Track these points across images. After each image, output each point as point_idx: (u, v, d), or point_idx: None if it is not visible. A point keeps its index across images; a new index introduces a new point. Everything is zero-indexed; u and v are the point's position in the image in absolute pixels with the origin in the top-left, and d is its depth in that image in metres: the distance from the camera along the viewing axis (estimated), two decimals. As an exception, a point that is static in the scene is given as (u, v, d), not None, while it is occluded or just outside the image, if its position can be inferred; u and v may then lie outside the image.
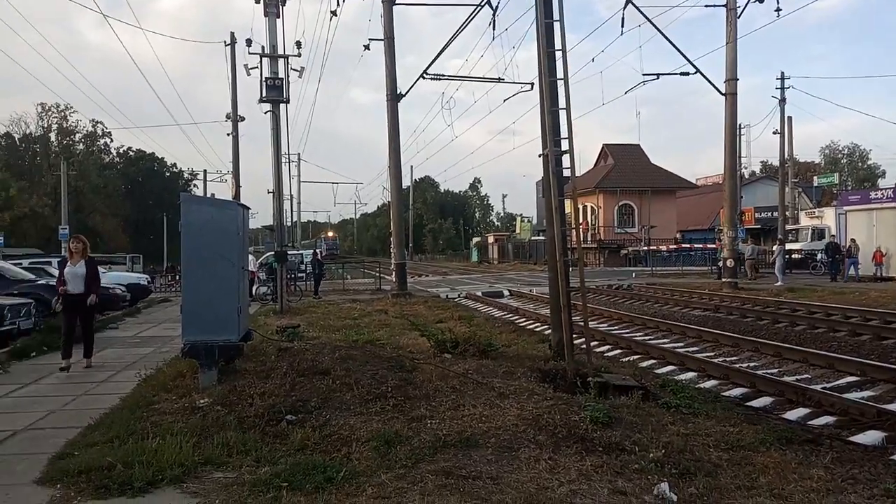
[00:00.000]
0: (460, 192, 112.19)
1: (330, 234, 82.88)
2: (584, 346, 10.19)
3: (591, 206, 46.78)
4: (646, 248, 40.71)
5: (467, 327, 10.01)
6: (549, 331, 11.75)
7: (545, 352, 9.47)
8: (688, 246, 40.89)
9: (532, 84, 19.60)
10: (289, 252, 20.52)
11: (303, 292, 21.98)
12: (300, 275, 27.52)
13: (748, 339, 10.99)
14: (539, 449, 5.39)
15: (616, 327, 14.10)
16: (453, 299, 21.19)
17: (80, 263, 8.65)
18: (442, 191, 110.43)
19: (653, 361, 9.99)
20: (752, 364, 9.64)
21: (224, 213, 7.64)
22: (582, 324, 8.21)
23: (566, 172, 8.70)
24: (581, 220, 44.46)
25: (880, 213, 23.84)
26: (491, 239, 65.11)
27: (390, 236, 23.53)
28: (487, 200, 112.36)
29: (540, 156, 9.02)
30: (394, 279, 22.16)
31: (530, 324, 14.85)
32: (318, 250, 38.40)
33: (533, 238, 57.55)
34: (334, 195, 68.79)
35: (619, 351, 11.06)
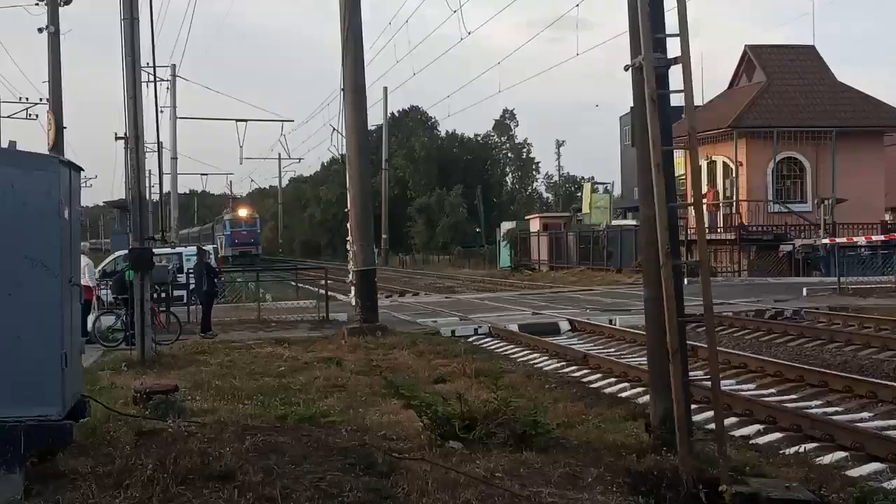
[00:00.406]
0: (477, 136, 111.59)
1: (242, 211, 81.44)
2: (709, 424, 10.17)
3: (726, 162, 46.92)
4: (827, 239, 40.62)
5: (492, 391, 10.06)
6: (646, 397, 11.81)
7: (638, 436, 9.55)
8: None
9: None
10: (156, 252, 20.53)
11: (182, 326, 22.13)
12: (178, 293, 27.60)
13: None
14: None
15: (771, 390, 14.19)
16: (465, 338, 21.34)
17: None
18: (443, 134, 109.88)
19: (842, 455, 10.04)
20: None
21: (31, 178, 7.68)
22: (707, 383, 8.28)
23: (677, 100, 8.77)
24: (706, 190, 44.65)
25: None
26: (536, 224, 65.10)
27: (346, 221, 23.66)
28: (528, 152, 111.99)
29: (628, 68, 9.06)
30: (353, 301, 22.31)
31: (610, 384, 14.97)
32: (209, 248, 38.57)
33: (614, 223, 57.79)
34: (240, 143, 65.67)
35: (777, 435, 11.14)
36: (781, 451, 10.18)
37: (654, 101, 8.41)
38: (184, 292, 27.42)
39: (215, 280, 24.34)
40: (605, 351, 18.82)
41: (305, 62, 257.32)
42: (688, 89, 8.33)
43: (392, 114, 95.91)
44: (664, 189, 8.28)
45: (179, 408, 11.03)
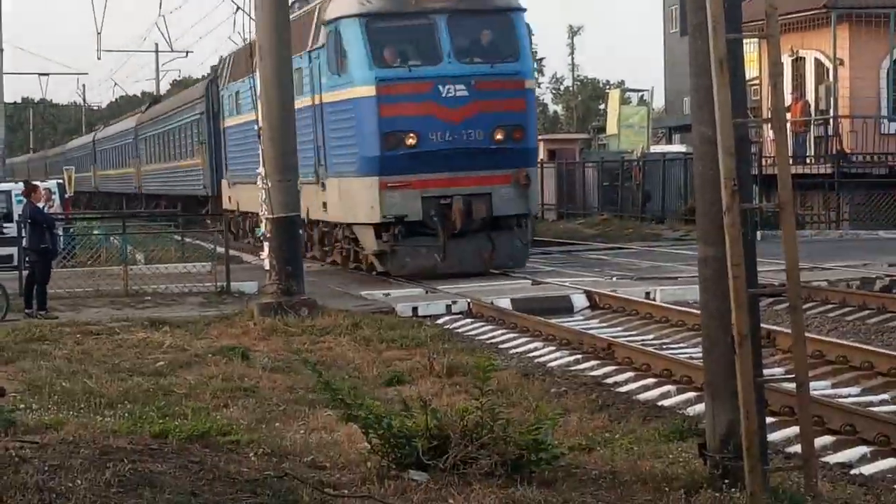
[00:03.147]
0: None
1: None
2: (793, 446, 10.19)
3: (819, 60, 46.86)
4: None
5: (473, 397, 10.06)
6: (699, 407, 11.82)
7: (688, 463, 9.62)
8: None
9: None
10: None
11: (10, 300, 22.00)
12: (5, 252, 27.40)
13: None
14: None
15: (882, 396, 14.24)
16: (433, 319, 21.47)
17: None
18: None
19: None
20: None
21: None
22: (790, 385, 8.32)
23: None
24: (789, 100, 44.48)
25: None
26: (539, 151, 65.06)
27: (252, 137, 23.50)
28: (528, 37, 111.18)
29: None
30: (267, 264, 22.22)
31: (646, 387, 15.02)
32: (49, 183, 38.20)
33: (654, 150, 57.62)
34: (98, 28, 65.44)
35: (891, 461, 11.20)
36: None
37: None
38: (13, 250, 27.21)
39: (51, 233, 24.04)
40: (640, 338, 18.87)
41: None
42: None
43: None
44: (729, 97, 8.26)
45: (7, 421, 10.96)
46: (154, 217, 53.49)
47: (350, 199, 26.84)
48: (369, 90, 25.87)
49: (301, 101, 27.24)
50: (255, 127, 23.85)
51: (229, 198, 40.27)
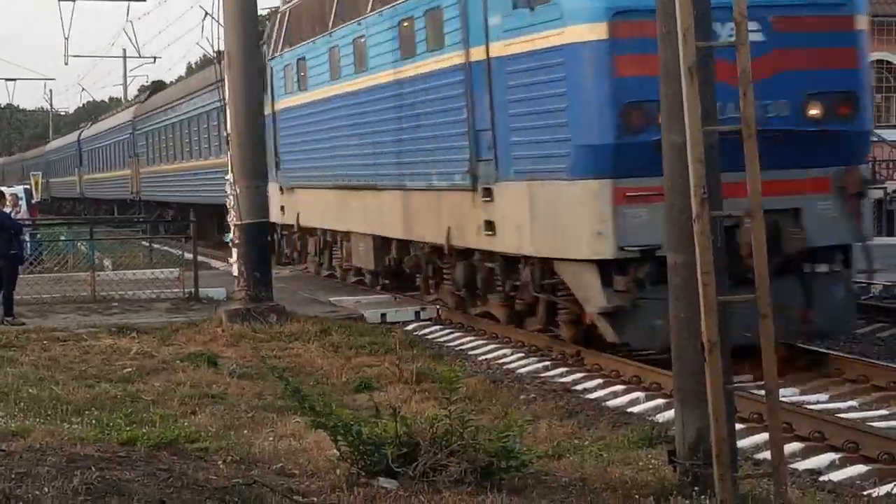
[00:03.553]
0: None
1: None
2: (762, 453, 10.21)
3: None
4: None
5: (442, 404, 10.05)
6: (669, 413, 11.84)
7: (657, 470, 9.64)
8: None
9: None
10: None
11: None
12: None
13: None
14: None
15: (850, 402, 14.31)
16: (401, 325, 21.51)
17: None
18: None
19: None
20: None
21: None
22: (760, 392, 8.34)
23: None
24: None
25: None
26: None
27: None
28: None
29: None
30: (236, 269, 22.18)
31: (615, 393, 15.06)
32: (16, 189, 37.98)
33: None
34: (66, 34, 65.27)
35: (860, 468, 11.23)
36: (866, 492, 10.28)
37: (685, -26, 8.38)
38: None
39: (18, 239, 23.93)
40: (609, 344, 18.91)
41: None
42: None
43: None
44: (699, 105, 8.28)
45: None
46: (120, 223, 53.00)
47: (552, 217, 16.53)
48: (595, 30, 15.61)
49: (434, 60, 19.88)
50: (346, 104, 22.10)
51: (282, 207, 30.08)
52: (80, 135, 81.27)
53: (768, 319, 8.24)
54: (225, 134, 22.79)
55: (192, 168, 45.52)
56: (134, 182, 58.39)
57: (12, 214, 30.21)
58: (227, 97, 22.50)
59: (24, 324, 21.51)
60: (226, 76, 22.41)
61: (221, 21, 22.57)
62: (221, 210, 35.97)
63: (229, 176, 22.36)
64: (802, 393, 14.86)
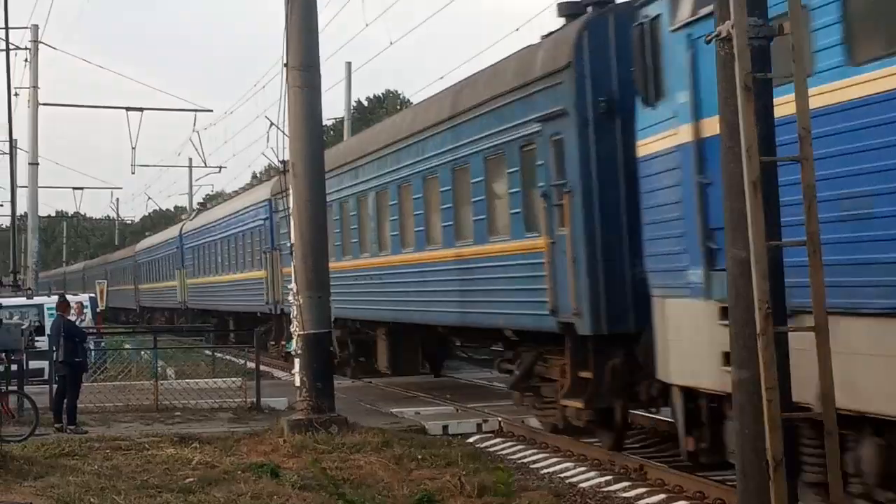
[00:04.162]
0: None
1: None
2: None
3: None
4: None
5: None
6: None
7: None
8: None
9: None
10: (3, 305, 20.32)
11: (40, 414, 22.04)
12: (37, 365, 27.42)
13: None
14: None
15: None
16: (463, 438, 21.38)
17: None
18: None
19: None
20: None
21: None
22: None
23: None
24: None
25: None
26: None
27: (283, 257, 23.54)
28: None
29: (710, 41, 9.07)
30: (298, 380, 22.19)
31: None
32: (81, 297, 38.18)
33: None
34: (133, 143, 65.73)
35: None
36: None
37: (748, 90, 8.44)
38: (45, 364, 27.25)
39: (82, 346, 24.16)
40: (672, 459, 18.73)
41: (230, 25, 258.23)
42: (800, 70, 8.36)
43: (358, 101, 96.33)
44: (762, 219, 8.29)
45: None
46: (184, 332, 53.33)
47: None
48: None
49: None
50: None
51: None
52: (136, 247, 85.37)
53: (833, 437, 8.18)
54: (289, 244, 22.88)
55: (230, 280, 48.44)
56: (181, 291, 61.35)
57: (77, 322, 30.60)
58: (291, 207, 22.65)
59: (86, 432, 21.63)
60: (291, 186, 22.56)
61: (286, 131, 22.77)
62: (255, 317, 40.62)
63: (292, 285, 22.46)
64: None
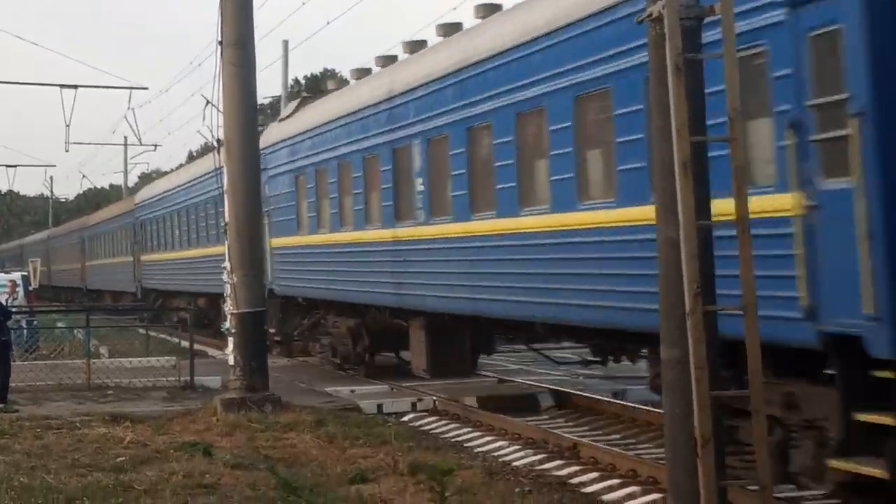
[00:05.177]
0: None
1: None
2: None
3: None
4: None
5: (434, 498, 10.05)
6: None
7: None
8: None
9: None
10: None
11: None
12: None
13: None
14: None
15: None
16: (398, 417, 21.43)
17: None
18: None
19: None
20: None
21: None
22: (754, 486, 8.30)
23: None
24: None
25: None
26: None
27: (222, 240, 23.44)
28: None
29: (641, 21, 9.13)
30: (232, 359, 22.12)
31: (611, 487, 14.98)
32: (13, 276, 37.97)
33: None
34: (67, 121, 66.31)
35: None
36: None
37: (679, 70, 8.49)
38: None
39: (4, 325, 23.90)
40: (605, 438, 18.83)
41: (166, 2, 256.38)
42: (729, 51, 8.41)
43: (295, 79, 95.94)
44: (692, 200, 8.34)
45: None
46: (116, 311, 52.72)
47: None
48: None
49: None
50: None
51: None
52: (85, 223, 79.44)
53: (761, 415, 8.26)
54: (223, 223, 22.79)
55: (193, 257, 43.19)
56: (135, 269, 56.58)
57: (10, 301, 30.32)
58: (225, 184, 22.55)
59: (17, 411, 21.47)
60: (225, 163, 22.46)
61: (220, 108, 22.66)
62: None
63: (226, 263, 22.37)
64: (800, 488, 14.77)
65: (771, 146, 11.95)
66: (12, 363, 26.16)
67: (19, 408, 21.82)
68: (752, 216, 9.33)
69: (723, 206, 9.22)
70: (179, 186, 46.95)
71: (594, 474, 15.78)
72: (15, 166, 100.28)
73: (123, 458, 16.06)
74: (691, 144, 8.44)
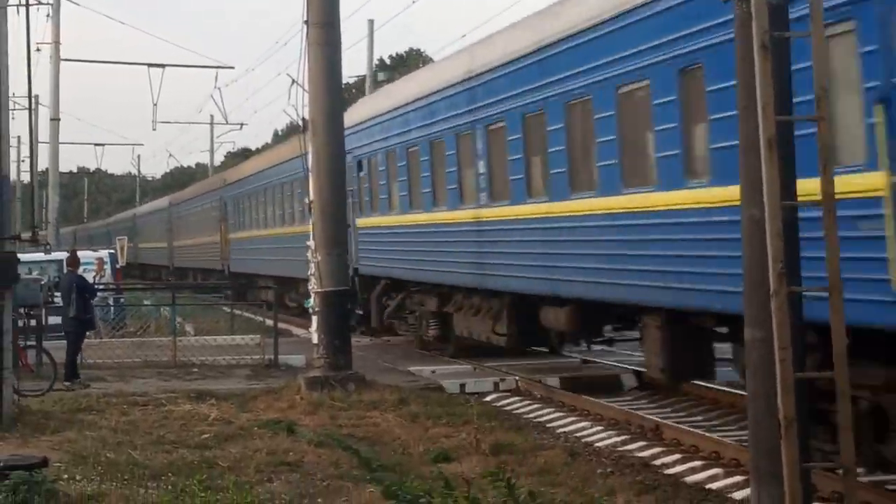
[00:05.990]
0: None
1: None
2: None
3: None
4: None
5: (516, 477, 10.03)
6: (747, 491, 11.71)
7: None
8: None
9: None
10: (23, 260, 20.37)
11: (57, 369, 22.07)
12: (56, 321, 27.66)
13: None
14: None
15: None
16: (480, 397, 21.40)
17: None
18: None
19: None
20: None
21: None
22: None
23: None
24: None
25: None
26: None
27: (307, 219, 23.50)
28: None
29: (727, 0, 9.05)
30: (315, 338, 22.21)
31: (693, 469, 14.93)
32: (101, 253, 38.27)
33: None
34: (154, 100, 66.26)
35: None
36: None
37: (765, 49, 8.40)
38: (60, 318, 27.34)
39: (87, 302, 24.04)
40: (689, 419, 18.74)
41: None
42: (817, 28, 8.31)
43: (380, 59, 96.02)
44: (778, 179, 8.26)
45: (48, 491, 10.97)
46: (202, 289, 52.97)
47: None
48: None
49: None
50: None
51: None
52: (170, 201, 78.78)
53: (846, 398, 8.17)
54: (307, 201, 22.86)
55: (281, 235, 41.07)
56: (223, 250, 55.16)
57: (97, 278, 30.66)
58: (310, 164, 22.62)
59: (88, 385, 21.72)
60: (310, 144, 22.52)
61: (306, 88, 22.73)
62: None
63: (310, 241, 22.46)
64: (884, 472, 14.62)
65: (861, 124, 11.48)
66: (100, 340, 26.45)
67: (107, 384, 22.04)
68: (839, 196, 8.73)
69: (812, 187, 8.67)
70: (271, 166, 44.73)
71: (677, 456, 15.72)
72: (103, 145, 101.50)
73: (208, 436, 16.22)
74: (777, 123, 8.36)
